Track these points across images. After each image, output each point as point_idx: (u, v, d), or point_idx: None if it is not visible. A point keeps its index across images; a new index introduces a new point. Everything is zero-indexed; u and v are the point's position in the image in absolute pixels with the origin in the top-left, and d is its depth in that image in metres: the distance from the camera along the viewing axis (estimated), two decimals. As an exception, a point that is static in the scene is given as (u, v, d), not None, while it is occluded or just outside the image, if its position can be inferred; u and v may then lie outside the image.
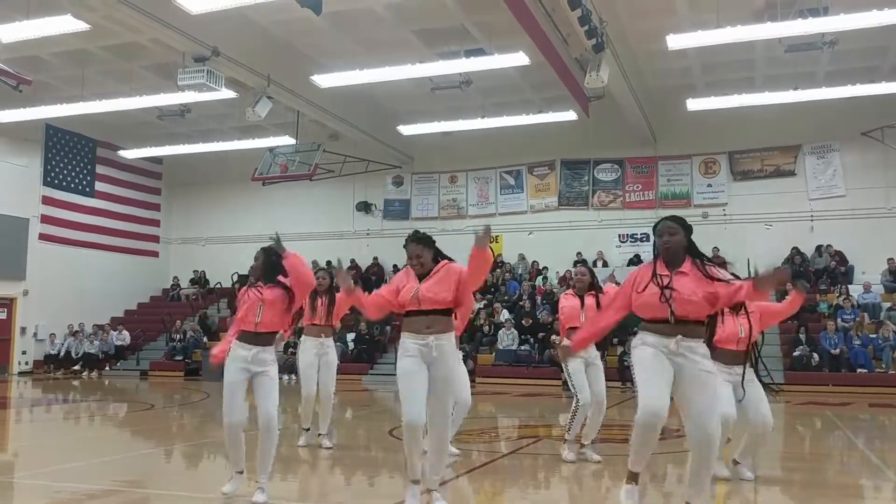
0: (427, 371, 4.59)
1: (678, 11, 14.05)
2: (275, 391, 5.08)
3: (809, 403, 13.22)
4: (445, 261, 4.76)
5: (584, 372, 6.50)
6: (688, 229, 4.30)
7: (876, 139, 17.63)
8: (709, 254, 4.41)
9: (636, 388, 4.22)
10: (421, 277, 4.69)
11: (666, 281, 4.15)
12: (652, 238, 13.49)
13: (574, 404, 6.49)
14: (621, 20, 14.33)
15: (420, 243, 4.73)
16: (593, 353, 6.55)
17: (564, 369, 6.64)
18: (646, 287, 4.20)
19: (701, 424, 4.05)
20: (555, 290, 19.00)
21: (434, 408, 4.57)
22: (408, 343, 4.63)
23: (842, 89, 15.85)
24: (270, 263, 5.21)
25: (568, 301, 6.55)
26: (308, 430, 7.62)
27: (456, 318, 4.94)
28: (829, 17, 12.91)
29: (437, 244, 4.82)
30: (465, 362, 7.33)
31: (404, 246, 4.77)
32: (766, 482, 5.96)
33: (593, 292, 6.47)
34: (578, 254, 19.87)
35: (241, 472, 5.17)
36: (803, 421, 11.47)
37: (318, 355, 7.49)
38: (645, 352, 4.19)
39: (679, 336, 4.09)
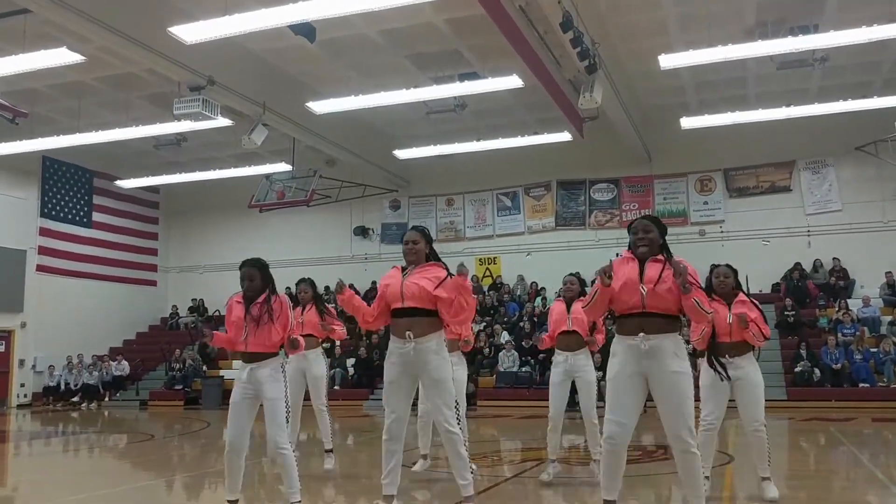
0: (412, 379, 4.63)
1: (670, 31, 14.15)
2: (278, 413, 4.96)
3: (813, 419, 13.17)
4: (436, 262, 4.88)
5: (560, 385, 6.44)
6: (662, 228, 4.31)
7: (870, 153, 17.70)
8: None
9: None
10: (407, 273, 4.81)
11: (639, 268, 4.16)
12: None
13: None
14: (613, 41, 14.42)
15: (419, 232, 4.93)
16: (579, 363, 6.43)
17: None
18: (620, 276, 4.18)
19: (670, 425, 4.06)
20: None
21: (434, 416, 4.61)
22: (392, 346, 4.79)
23: (834, 105, 15.93)
24: (268, 279, 5.12)
25: (556, 307, 6.75)
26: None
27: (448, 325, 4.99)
28: (820, 33, 13.01)
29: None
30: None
31: (402, 238, 4.92)
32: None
33: (581, 300, 6.47)
34: (577, 273, 19.81)
35: (235, 502, 5.07)
36: (807, 437, 11.43)
37: (301, 369, 7.32)
38: (615, 367, 4.16)
39: (642, 334, 4.05)
